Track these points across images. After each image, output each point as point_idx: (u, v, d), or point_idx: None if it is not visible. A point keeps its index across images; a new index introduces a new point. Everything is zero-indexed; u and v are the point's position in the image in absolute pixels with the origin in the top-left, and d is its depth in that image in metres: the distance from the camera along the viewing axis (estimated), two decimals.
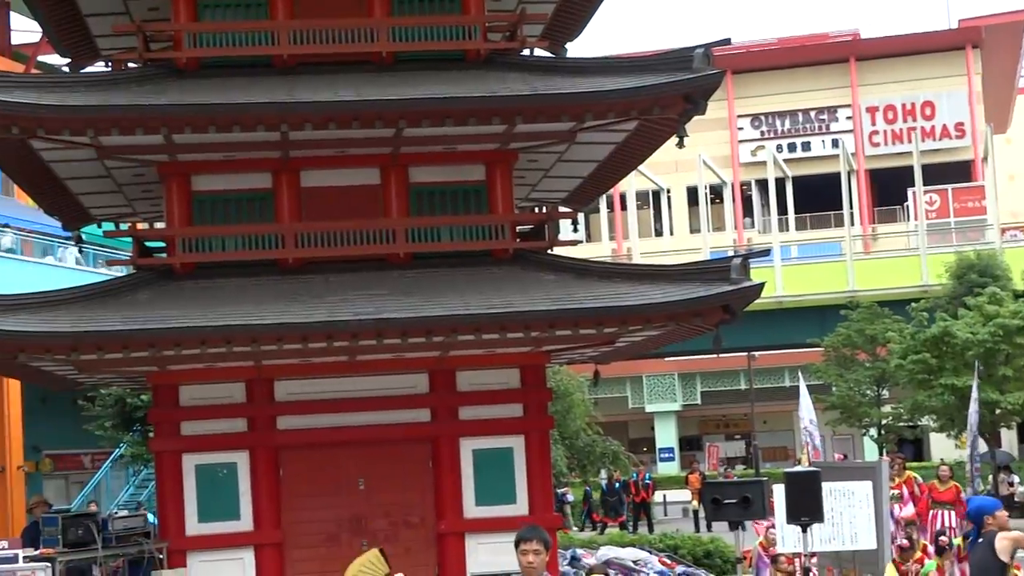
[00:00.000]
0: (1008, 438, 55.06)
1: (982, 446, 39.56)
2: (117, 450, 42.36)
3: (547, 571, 10.13)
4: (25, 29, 55.01)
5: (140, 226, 23.81)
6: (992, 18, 75.40)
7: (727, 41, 21.65)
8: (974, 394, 37.30)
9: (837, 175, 71.03)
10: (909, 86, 75.47)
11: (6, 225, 41.53)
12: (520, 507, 21.16)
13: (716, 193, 75.76)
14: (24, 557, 18.38)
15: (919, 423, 50.58)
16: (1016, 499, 42.55)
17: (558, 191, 25.11)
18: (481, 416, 21.54)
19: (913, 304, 51.09)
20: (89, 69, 24.20)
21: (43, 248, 43.10)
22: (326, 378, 21.20)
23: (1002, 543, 14.89)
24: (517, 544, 9.99)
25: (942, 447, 59.30)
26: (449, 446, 21.38)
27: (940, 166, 73.00)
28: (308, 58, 20.86)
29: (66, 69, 25.18)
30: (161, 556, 20.30)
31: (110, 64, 23.97)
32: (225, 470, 21.04)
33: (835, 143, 74.36)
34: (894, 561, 20.06)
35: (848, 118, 76.63)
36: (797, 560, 20.59)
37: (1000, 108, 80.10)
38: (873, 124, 76.31)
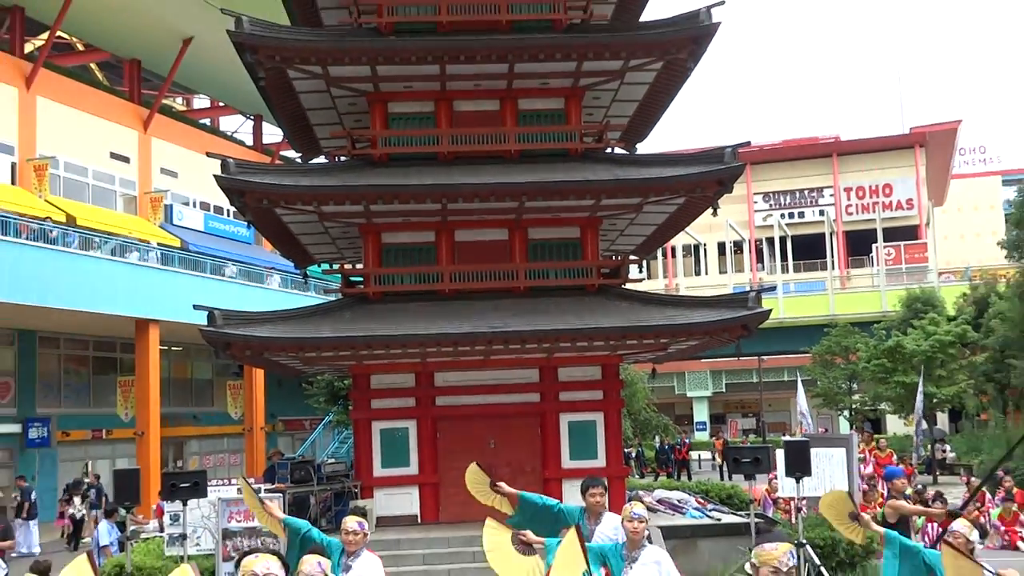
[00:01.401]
0: (942, 419, 53.86)
1: (924, 425, 38.88)
2: (327, 417, 42.71)
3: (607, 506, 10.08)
4: (271, 133, 56.04)
5: (346, 266, 24.08)
6: (934, 126, 73.94)
7: (747, 143, 21.60)
8: (919, 388, 36.85)
9: (822, 235, 70.49)
10: (874, 173, 73.88)
11: (230, 259, 41.91)
12: (600, 461, 21.04)
13: (738, 246, 74.80)
14: (265, 489, 18.64)
15: (878, 408, 49.58)
16: (947, 462, 41.57)
17: (629, 244, 25.04)
18: (574, 399, 21.46)
19: (875, 324, 50.47)
20: (314, 161, 24.62)
21: (271, 278, 43.46)
22: (469, 371, 21.22)
23: (888, 509, 14.97)
24: (586, 489, 9.94)
25: (895, 425, 58.17)
26: (552, 419, 21.33)
27: (895, 229, 71.58)
28: (461, 154, 21.02)
29: (299, 160, 25.59)
30: (356, 490, 20.53)
31: (327, 157, 24.34)
32: (400, 433, 21.17)
33: (821, 212, 73.18)
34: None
35: (831, 195, 75.05)
36: (792, 502, 20.34)
37: (938, 189, 78.33)
38: (848, 199, 74.70)
